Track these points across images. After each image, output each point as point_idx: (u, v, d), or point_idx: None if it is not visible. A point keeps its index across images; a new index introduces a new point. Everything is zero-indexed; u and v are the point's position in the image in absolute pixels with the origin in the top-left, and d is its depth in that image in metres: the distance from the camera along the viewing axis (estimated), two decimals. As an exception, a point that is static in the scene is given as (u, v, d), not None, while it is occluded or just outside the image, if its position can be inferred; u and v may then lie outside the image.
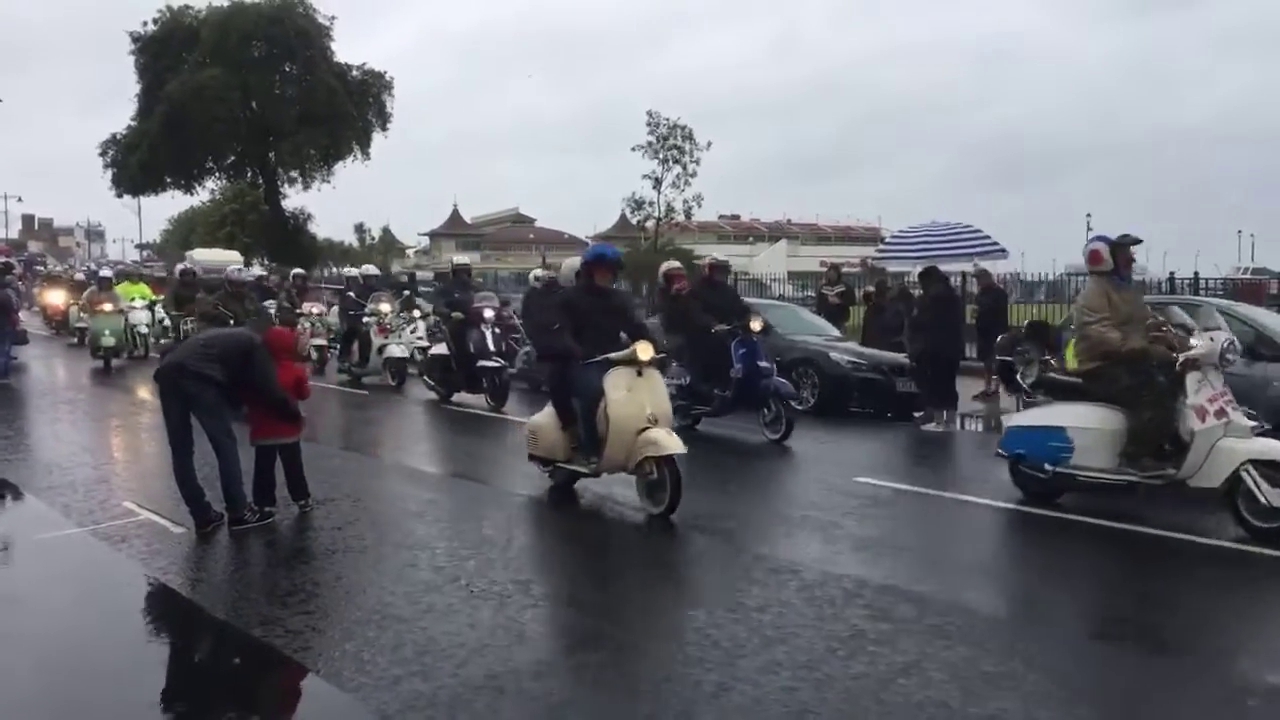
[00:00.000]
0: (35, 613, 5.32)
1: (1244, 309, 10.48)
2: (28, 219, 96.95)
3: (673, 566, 6.09)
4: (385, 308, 15.31)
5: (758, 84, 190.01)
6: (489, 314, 12.91)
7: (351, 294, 16.55)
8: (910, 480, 8.39)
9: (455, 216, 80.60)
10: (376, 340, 15.12)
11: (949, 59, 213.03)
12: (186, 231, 50.80)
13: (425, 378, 13.93)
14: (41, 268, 35.33)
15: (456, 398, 13.14)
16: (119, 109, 50.47)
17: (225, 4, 40.93)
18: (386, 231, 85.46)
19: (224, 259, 29.26)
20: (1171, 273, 18.21)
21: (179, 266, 21.51)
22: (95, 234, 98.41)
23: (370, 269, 19.45)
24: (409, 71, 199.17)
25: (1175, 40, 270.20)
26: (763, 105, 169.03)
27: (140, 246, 75.69)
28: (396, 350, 14.92)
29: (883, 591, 5.38)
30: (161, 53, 40.97)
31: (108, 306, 17.69)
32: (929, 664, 4.35)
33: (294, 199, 46.02)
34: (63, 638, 4.94)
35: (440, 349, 13.40)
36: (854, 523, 6.91)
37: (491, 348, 12.61)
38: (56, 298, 24.73)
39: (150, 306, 18.99)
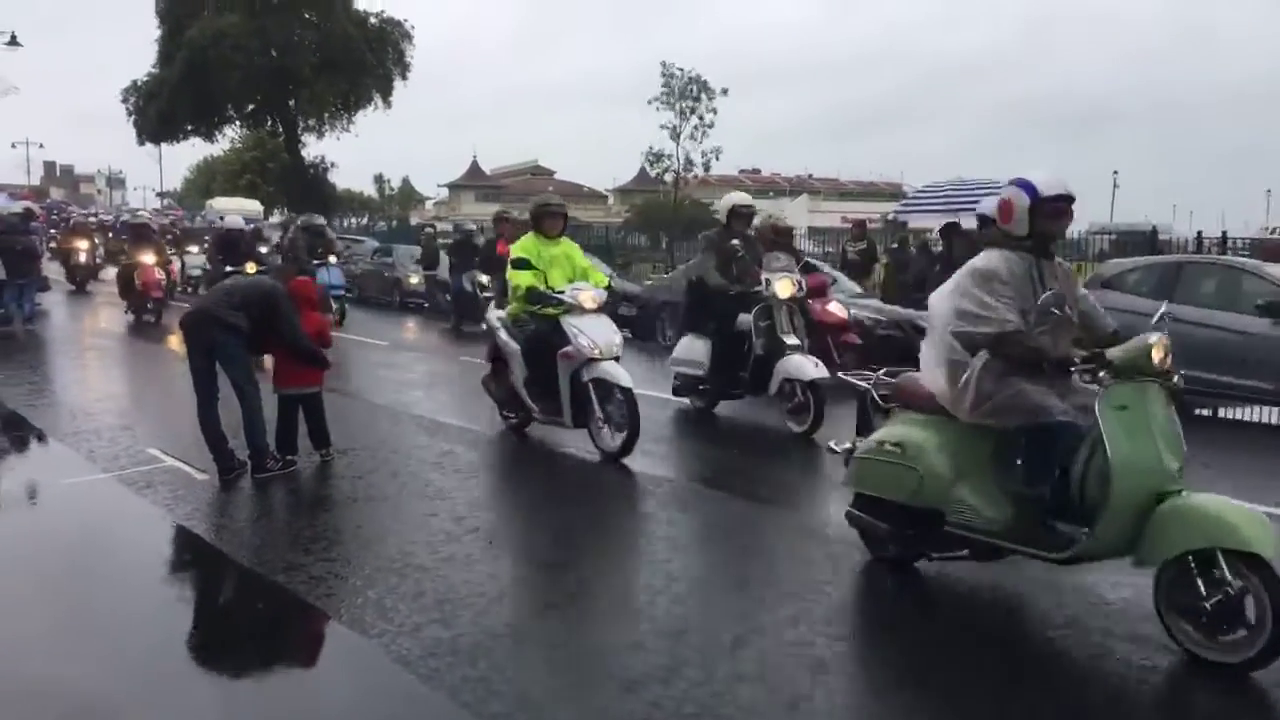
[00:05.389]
0: (60, 557, 5.40)
1: (1272, 269, 10.33)
2: (49, 166, 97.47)
3: (694, 522, 6.11)
4: None
5: (809, 44, 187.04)
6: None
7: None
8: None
9: (475, 168, 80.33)
10: None
11: (997, 21, 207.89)
12: (207, 180, 50.79)
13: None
14: (85, 216, 33.41)
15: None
16: (143, 55, 50.26)
17: (243, -51, 40.49)
18: (406, 182, 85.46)
19: (245, 208, 29.27)
20: (1199, 232, 17.95)
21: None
22: (116, 181, 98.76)
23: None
24: (444, 24, 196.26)
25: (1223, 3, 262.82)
26: (811, 65, 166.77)
27: (161, 194, 75.96)
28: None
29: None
30: (181, -1, 40.68)
31: None
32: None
33: (314, 147, 45.91)
34: (87, 582, 5.01)
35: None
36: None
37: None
38: (146, 257, 16.15)
39: None
